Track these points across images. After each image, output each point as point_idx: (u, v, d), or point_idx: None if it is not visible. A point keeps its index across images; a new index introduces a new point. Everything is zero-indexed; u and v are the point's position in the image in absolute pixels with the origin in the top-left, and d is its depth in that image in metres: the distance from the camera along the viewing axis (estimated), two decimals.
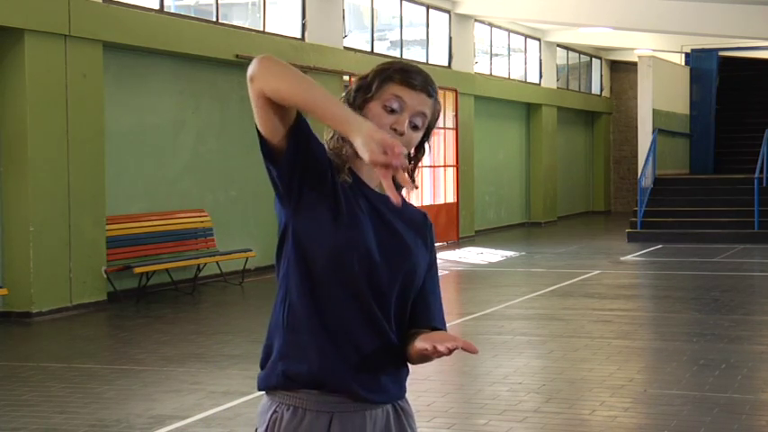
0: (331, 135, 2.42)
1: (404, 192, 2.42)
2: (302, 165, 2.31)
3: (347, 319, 2.35)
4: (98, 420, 6.59)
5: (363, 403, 2.37)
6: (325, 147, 2.40)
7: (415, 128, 2.41)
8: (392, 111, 2.39)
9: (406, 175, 2.17)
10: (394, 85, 2.40)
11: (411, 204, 2.52)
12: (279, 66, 2.24)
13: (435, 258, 2.55)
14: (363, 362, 2.35)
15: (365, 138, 2.16)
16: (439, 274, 2.59)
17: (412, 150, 2.45)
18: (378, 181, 2.40)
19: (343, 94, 2.46)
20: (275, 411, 2.38)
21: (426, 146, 2.49)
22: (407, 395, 2.52)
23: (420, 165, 2.51)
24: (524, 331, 9.95)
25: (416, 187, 2.31)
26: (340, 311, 2.34)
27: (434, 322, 2.45)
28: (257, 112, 2.29)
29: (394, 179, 2.17)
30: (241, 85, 14.72)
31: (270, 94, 2.24)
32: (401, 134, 2.37)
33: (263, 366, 2.43)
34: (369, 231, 2.36)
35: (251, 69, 2.25)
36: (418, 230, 2.48)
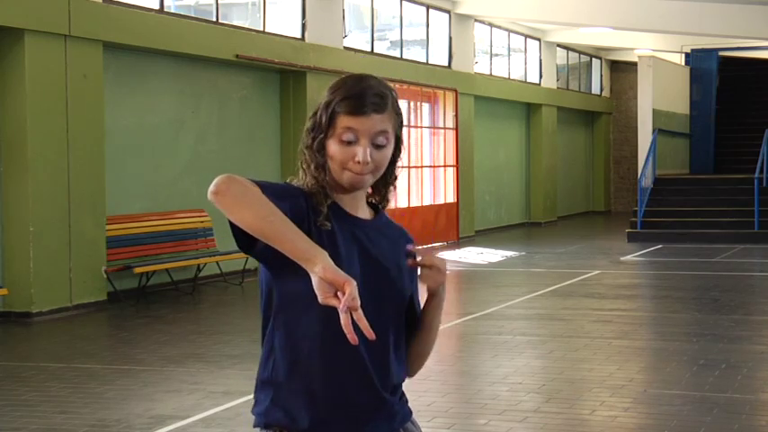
0: (305, 176, 2.40)
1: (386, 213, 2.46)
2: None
3: (339, 369, 2.36)
4: (98, 420, 6.59)
5: None
6: (301, 190, 2.37)
7: (379, 147, 2.36)
8: (349, 143, 2.34)
9: (363, 319, 2.13)
10: (342, 117, 2.34)
11: (390, 223, 2.53)
12: (240, 194, 2.22)
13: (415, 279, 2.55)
14: (353, 409, 2.37)
15: (317, 278, 2.14)
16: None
17: (384, 168, 2.42)
18: (357, 207, 2.44)
19: (303, 136, 2.43)
20: None
21: (401, 147, 2.45)
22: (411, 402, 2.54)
23: (398, 170, 2.48)
24: (524, 331, 9.95)
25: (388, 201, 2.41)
26: (332, 361, 2.35)
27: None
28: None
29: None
30: (241, 84, 14.73)
31: (231, 220, 2.24)
32: (366, 163, 2.33)
33: (256, 399, 2.46)
34: (354, 270, 2.34)
35: (214, 185, 2.23)
36: (400, 252, 2.47)
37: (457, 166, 20.34)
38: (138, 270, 12.16)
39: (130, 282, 12.40)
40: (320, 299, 2.14)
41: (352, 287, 2.11)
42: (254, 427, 2.46)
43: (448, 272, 2.42)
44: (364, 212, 2.46)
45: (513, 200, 24.71)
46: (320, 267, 2.14)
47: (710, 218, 20.08)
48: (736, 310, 11.01)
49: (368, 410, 2.38)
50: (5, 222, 11.10)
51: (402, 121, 2.44)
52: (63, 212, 11.31)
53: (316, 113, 2.39)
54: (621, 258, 16.99)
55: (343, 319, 2.11)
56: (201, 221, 13.55)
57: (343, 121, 2.34)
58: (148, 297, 12.34)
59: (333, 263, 2.16)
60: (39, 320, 10.87)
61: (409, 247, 2.43)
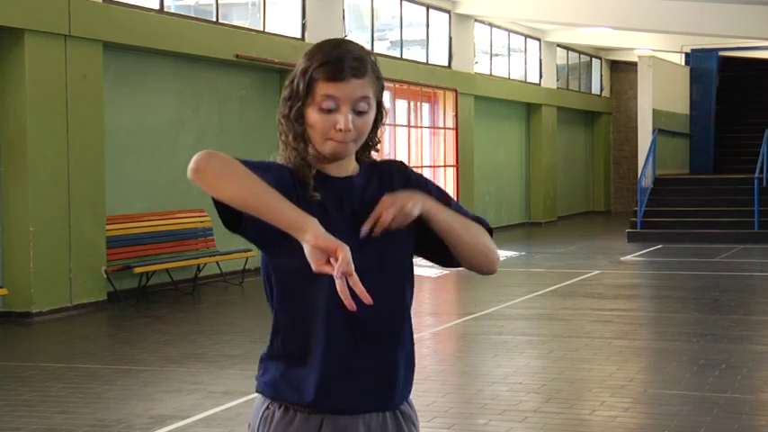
0: (285, 148, 2.34)
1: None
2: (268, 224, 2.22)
3: (337, 341, 2.33)
4: (98, 420, 6.59)
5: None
6: (284, 166, 2.31)
7: (361, 113, 2.29)
8: (329, 111, 2.26)
9: (359, 284, 2.07)
10: (320, 83, 2.26)
11: (377, 165, 2.43)
12: (222, 168, 2.15)
13: (435, 195, 2.40)
14: (357, 379, 2.34)
15: (310, 246, 2.09)
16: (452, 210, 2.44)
17: (367, 132, 2.35)
18: (343, 170, 2.37)
19: (280, 104, 2.36)
20: (267, 408, 2.39)
21: (383, 112, 2.37)
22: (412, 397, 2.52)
23: (383, 127, 2.41)
24: (524, 331, 9.95)
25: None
26: (328, 334, 2.33)
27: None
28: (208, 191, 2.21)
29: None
30: (241, 84, 14.73)
31: (214, 196, 2.17)
32: (348, 131, 2.27)
33: (264, 368, 2.43)
34: (347, 239, 2.27)
35: (193, 162, 2.15)
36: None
37: (457, 166, 20.34)
38: (138, 270, 12.16)
39: (130, 282, 12.40)
40: (313, 267, 2.09)
41: (344, 252, 2.05)
42: (258, 393, 2.43)
43: (403, 198, 2.25)
44: (352, 167, 2.39)
45: (513, 200, 24.71)
46: (311, 235, 2.09)
47: (710, 218, 20.07)
48: (736, 310, 11.01)
49: (376, 380, 2.35)
50: (5, 222, 11.10)
51: (383, 86, 2.36)
52: (63, 212, 11.31)
53: (292, 81, 2.31)
54: (621, 258, 16.99)
55: (339, 286, 2.07)
56: (201, 221, 13.55)
57: (322, 87, 2.26)
58: (148, 297, 12.34)
59: (324, 229, 2.10)
60: (39, 320, 10.87)
61: (363, 231, 2.27)
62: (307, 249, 2.10)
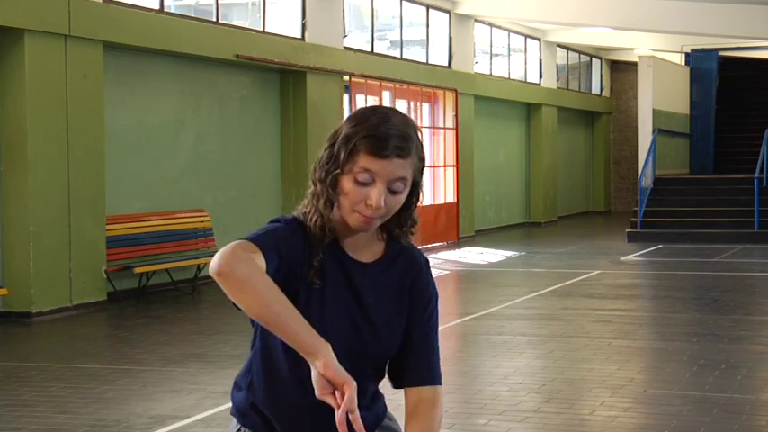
0: (312, 210, 2.29)
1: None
2: None
3: (304, 414, 2.34)
4: (98, 420, 6.59)
5: None
6: (299, 227, 2.29)
7: (395, 193, 2.23)
8: (364, 184, 2.21)
9: (359, 421, 2.07)
10: (362, 156, 2.20)
11: (402, 253, 2.40)
12: (244, 278, 2.10)
13: (429, 309, 2.42)
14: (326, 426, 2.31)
15: (316, 373, 2.08)
16: (437, 323, 2.50)
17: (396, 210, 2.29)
18: (361, 247, 2.35)
19: (318, 159, 2.29)
20: (239, 430, 2.44)
21: (419, 193, 2.32)
22: (391, 411, 2.53)
23: (416, 211, 2.36)
24: (524, 331, 9.95)
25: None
26: (290, 417, 2.35)
27: (425, 380, 2.40)
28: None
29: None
30: (241, 84, 14.73)
31: (234, 302, 2.16)
32: (378, 208, 2.21)
33: (238, 388, 2.47)
34: (337, 327, 2.29)
35: (217, 264, 2.10)
36: (400, 292, 2.38)
37: (457, 166, 20.34)
38: (138, 270, 12.16)
39: (130, 282, 12.40)
40: (317, 393, 2.08)
41: (351, 390, 2.05)
42: (232, 414, 2.47)
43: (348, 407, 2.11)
44: (369, 252, 2.36)
45: (513, 200, 24.71)
46: (321, 363, 2.07)
47: (710, 218, 20.07)
48: (736, 310, 11.01)
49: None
50: (5, 222, 11.10)
51: (424, 166, 2.30)
52: (63, 212, 11.31)
53: (333, 145, 2.26)
54: (621, 258, 16.99)
55: (338, 417, 2.06)
56: (201, 221, 13.55)
57: (363, 160, 2.20)
58: (148, 297, 12.34)
59: (335, 358, 2.09)
60: (39, 320, 10.87)
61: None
62: (314, 374, 2.09)
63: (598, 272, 14.83)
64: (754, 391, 7.40)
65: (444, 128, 20.16)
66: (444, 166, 20.17)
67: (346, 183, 2.23)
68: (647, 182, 21.10)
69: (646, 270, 16.29)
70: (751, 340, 9.29)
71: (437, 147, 20.04)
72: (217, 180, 14.27)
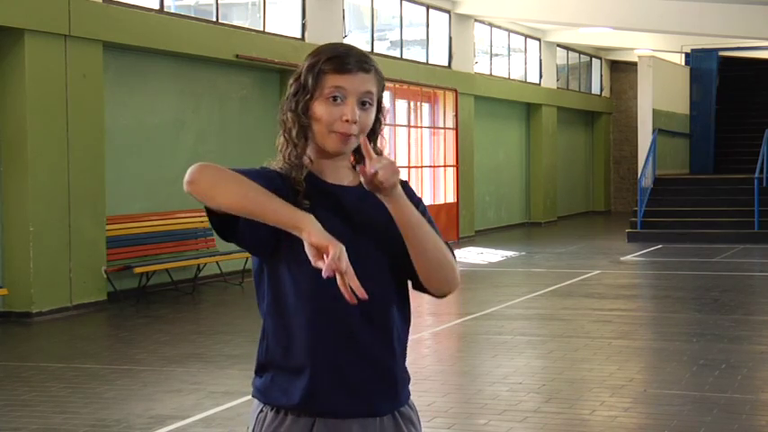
0: (285, 146, 2.37)
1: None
2: (264, 226, 2.24)
3: (329, 345, 2.34)
4: (98, 420, 6.59)
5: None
6: (276, 172, 2.34)
7: (364, 105, 2.35)
8: (335, 99, 2.33)
9: (354, 279, 2.12)
10: (329, 76, 2.34)
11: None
12: (215, 176, 2.22)
13: (420, 210, 2.42)
14: (345, 384, 2.35)
15: (307, 244, 2.14)
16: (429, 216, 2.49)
17: (369, 128, 2.38)
18: (340, 174, 2.40)
19: (285, 98, 2.41)
20: (261, 411, 2.45)
21: (381, 116, 2.42)
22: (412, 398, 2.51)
23: (382, 129, 2.44)
24: (524, 331, 9.95)
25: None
26: (315, 340, 2.34)
27: None
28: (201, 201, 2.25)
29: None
30: (241, 84, 14.73)
31: (210, 207, 2.22)
32: (354, 122, 2.32)
33: (258, 374, 2.48)
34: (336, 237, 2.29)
35: (188, 175, 2.22)
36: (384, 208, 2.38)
37: (457, 166, 20.34)
38: (138, 270, 12.16)
39: (130, 282, 12.40)
40: (312, 262, 2.14)
41: (335, 249, 2.11)
42: (253, 396, 2.50)
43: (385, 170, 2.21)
44: (348, 178, 2.41)
45: (513, 200, 24.71)
46: (306, 233, 2.14)
47: (710, 218, 20.08)
48: (736, 310, 11.01)
49: (367, 384, 2.37)
50: (5, 222, 11.10)
51: (384, 86, 2.43)
52: (63, 212, 11.31)
53: (298, 78, 2.38)
54: (621, 258, 16.99)
55: (339, 281, 2.13)
56: (201, 221, 13.54)
57: (331, 79, 2.33)
58: (148, 297, 12.34)
59: (319, 226, 2.15)
60: (39, 320, 10.87)
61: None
62: (306, 246, 2.15)
63: (598, 272, 14.84)
64: (754, 391, 7.40)
65: (444, 128, 20.16)
66: (444, 166, 20.17)
67: (318, 107, 2.34)
68: (647, 182, 21.11)
69: (646, 270, 16.29)
70: (751, 340, 9.29)
71: (437, 147, 20.04)
72: None
